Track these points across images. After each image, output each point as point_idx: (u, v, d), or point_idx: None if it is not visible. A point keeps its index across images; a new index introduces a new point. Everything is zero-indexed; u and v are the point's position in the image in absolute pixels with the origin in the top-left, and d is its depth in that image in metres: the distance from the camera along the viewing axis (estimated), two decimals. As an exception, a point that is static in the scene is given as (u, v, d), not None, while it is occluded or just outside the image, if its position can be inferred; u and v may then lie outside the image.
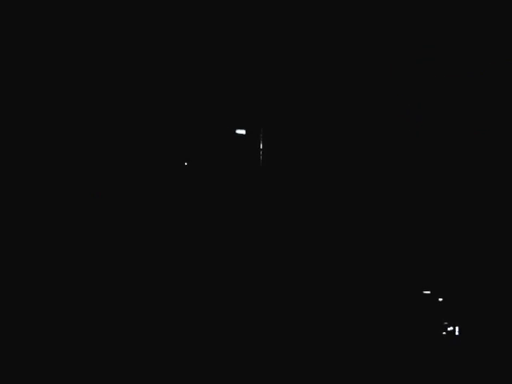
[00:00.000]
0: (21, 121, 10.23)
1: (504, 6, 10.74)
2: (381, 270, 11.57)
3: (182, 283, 11.26)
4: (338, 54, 12.12)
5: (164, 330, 10.57)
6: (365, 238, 11.70)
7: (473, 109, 11.22)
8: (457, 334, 10.95)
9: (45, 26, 10.28)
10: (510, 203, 10.81)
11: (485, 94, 11.14)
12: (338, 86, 12.16)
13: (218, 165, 12.21)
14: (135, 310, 10.54)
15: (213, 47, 11.99)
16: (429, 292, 11.32)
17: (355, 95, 12.12)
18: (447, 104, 11.38)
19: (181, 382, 9.83)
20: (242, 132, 12.27)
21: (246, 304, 11.31)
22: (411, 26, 11.62)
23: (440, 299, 11.22)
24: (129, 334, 10.29)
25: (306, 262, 11.62)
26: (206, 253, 11.58)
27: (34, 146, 10.30)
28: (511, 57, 10.58)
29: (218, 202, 11.94)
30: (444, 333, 10.97)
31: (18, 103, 10.22)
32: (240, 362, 10.49)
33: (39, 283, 9.94)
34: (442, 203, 11.61)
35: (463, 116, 11.32)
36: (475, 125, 11.08)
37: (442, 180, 11.60)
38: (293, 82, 12.28)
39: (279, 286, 11.48)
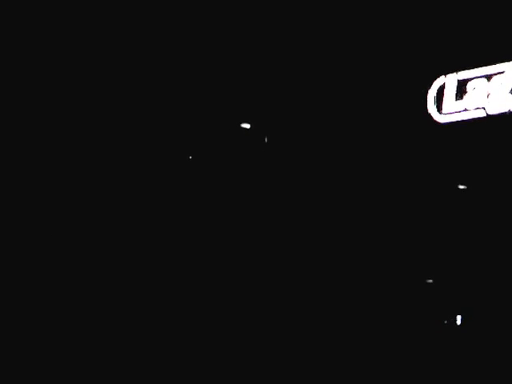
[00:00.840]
0: (21, 121, 10.22)
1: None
2: (381, 266, 11.62)
3: (186, 277, 11.29)
4: (340, 53, 12.10)
5: (164, 330, 10.61)
6: (366, 234, 11.74)
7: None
8: (458, 323, 11.00)
9: (45, 26, 10.25)
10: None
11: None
12: (341, 83, 12.15)
13: (224, 158, 12.21)
14: (135, 310, 10.56)
15: (218, 44, 11.96)
16: (431, 281, 11.37)
17: (356, 93, 12.11)
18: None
19: (181, 382, 9.88)
20: (247, 126, 12.27)
21: (248, 301, 11.35)
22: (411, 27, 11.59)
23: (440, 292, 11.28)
24: (129, 334, 10.33)
25: (308, 256, 11.65)
26: (211, 245, 11.61)
27: (34, 146, 10.30)
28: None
29: (224, 194, 11.96)
30: (445, 322, 11.01)
31: (18, 103, 10.21)
32: (240, 362, 10.54)
33: (39, 283, 9.98)
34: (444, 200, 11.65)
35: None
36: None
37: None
38: (297, 78, 12.26)
39: (281, 281, 11.52)
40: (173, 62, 11.88)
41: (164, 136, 11.91)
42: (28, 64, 10.29)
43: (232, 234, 11.80)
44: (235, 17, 11.89)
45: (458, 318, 11.19)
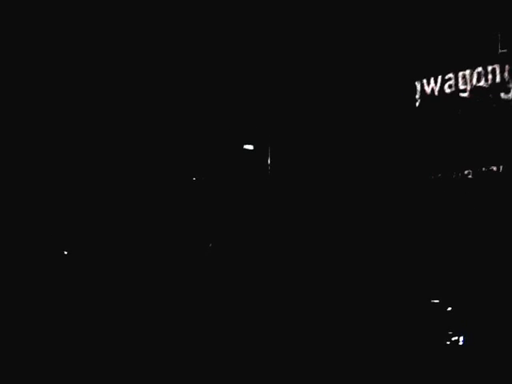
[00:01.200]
0: (21, 121, 10.28)
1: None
2: (385, 277, 11.57)
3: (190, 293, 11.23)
4: (345, 74, 12.28)
5: (164, 330, 10.51)
6: (368, 246, 11.73)
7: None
8: (461, 343, 10.87)
9: (45, 26, 10.39)
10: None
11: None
12: (344, 103, 12.29)
13: (228, 179, 12.30)
14: (136, 311, 10.48)
15: (223, 66, 12.16)
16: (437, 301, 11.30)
17: (360, 113, 12.24)
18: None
19: (181, 382, 9.73)
20: (250, 147, 12.39)
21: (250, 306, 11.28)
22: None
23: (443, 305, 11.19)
24: (129, 334, 10.22)
25: (310, 269, 11.62)
26: (216, 262, 11.59)
27: (35, 146, 10.34)
28: None
29: (228, 213, 11.99)
30: (448, 342, 10.89)
31: (18, 104, 10.29)
32: (240, 362, 10.41)
33: (39, 283, 9.91)
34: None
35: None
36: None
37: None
38: (299, 99, 12.42)
39: (284, 290, 11.47)
40: (181, 85, 12.04)
41: (169, 157, 11.99)
42: (28, 64, 10.39)
43: (236, 249, 11.78)
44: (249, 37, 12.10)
45: (461, 338, 11.06)
